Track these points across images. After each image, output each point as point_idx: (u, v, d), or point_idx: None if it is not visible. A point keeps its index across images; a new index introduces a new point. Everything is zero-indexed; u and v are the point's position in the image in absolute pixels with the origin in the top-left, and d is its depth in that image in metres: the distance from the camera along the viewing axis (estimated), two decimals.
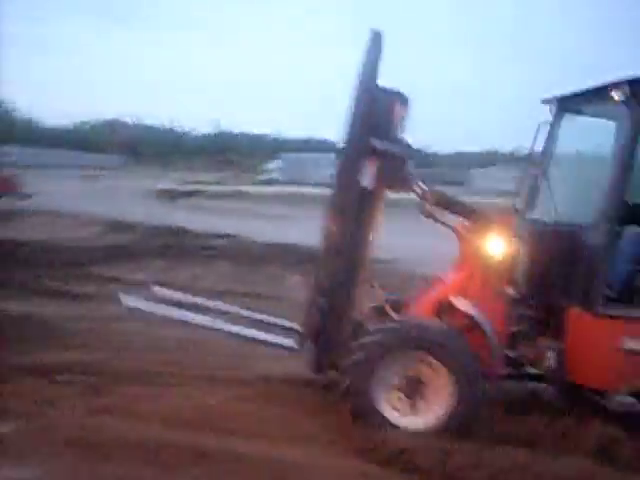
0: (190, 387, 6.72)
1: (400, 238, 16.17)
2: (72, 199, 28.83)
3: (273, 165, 67.86)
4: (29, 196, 20.10)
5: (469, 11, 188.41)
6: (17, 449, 5.12)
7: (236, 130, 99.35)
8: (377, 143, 6.17)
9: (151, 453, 5.07)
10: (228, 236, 20.05)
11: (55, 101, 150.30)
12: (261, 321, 7.33)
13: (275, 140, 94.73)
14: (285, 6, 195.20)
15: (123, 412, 5.96)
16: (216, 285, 12.85)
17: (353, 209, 6.21)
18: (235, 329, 6.58)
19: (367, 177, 6.21)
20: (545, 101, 7.37)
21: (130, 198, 33.92)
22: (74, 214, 23.47)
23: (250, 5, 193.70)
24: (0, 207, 21.50)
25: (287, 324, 7.17)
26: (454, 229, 6.64)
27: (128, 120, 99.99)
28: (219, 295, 11.81)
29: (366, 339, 5.90)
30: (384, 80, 6.22)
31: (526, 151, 7.70)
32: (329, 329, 6.27)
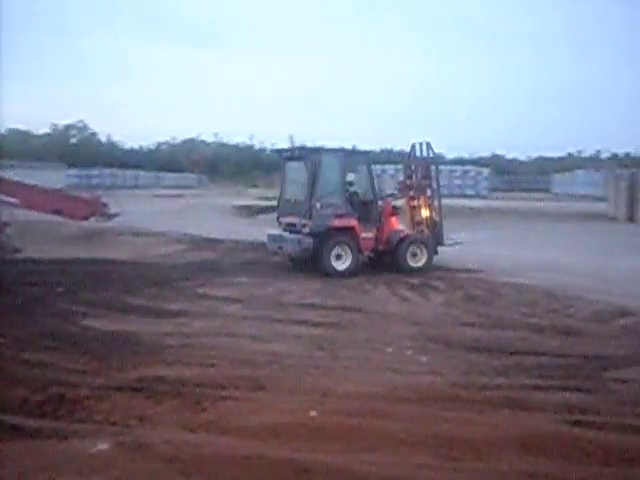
0: (286, 401, 6.66)
1: None
2: (155, 218, 29.38)
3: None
4: (116, 215, 20.36)
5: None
6: (114, 467, 5.13)
7: (311, 145, 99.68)
8: None
9: (251, 469, 5.00)
10: None
11: (134, 123, 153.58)
12: None
13: None
14: (366, 22, 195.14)
15: (221, 428, 5.94)
16: (302, 299, 12.82)
17: None
18: None
19: None
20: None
21: (211, 215, 34.28)
22: (158, 233, 23.86)
23: (326, 22, 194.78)
24: (88, 228, 22.00)
25: None
26: None
27: (206, 139, 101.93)
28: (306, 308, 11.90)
29: None
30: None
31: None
32: None
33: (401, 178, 18.81)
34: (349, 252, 15.93)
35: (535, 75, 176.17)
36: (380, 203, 16.81)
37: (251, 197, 50.13)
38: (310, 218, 15.74)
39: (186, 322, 10.55)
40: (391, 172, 48.37)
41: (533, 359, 8.75)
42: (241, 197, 50.82)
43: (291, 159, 17.16)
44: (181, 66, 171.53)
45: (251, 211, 38.74)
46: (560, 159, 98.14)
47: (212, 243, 21.70)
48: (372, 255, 17.04)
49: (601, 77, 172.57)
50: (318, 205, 15.78)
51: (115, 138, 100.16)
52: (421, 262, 16.58)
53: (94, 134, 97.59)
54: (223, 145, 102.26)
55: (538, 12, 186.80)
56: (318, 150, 16.88)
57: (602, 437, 5.84)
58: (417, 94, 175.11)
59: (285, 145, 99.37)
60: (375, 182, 16.95)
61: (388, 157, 71.34)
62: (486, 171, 62.47)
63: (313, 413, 6.23)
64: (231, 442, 5.64)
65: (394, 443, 5.60)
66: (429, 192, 17.49)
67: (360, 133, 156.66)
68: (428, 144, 17.42)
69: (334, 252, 15.81)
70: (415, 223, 17.43)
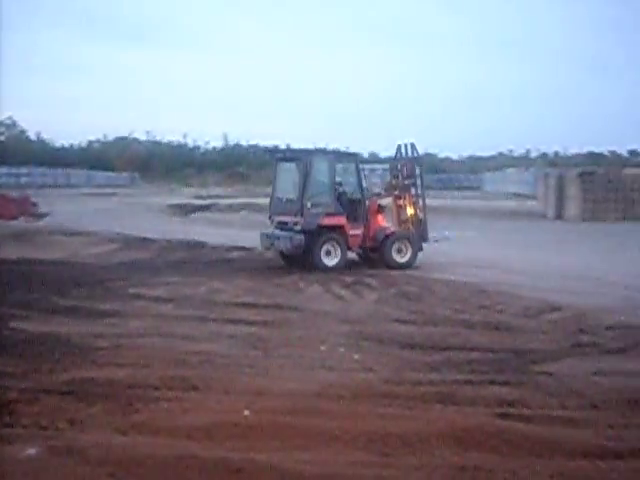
0: (219, 401, 6.64)
1: None
2: (86, 217, 28.92)
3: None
4: (46, 215, 20.02)
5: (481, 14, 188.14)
6: (44, 471, 5.04)
7: (245, 143, 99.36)
8: None
9: (184, 470, 4.97)
10: (244, 249, 20.02)
11: (66, 121, 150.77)
12: None
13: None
14: (295, 22, 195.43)
15: (153, 429, 5.87)
16: (236, 298, 12.79)
17: None
18: None
19: None
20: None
21: (144, 215, 33.92)
22: (90, 232, 23.51)
23: (259, 21, 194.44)
24: (17, 228, 21.59)
25: None
26: None
27: (139, 137, 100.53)
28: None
29: None
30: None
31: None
32: None
33: None
34: (338, 249, 16.70)
35: (466, 76, 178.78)
36: (367, 202, 17.45)
37: (185, 196, 49.76)
38: (301, 216, 16.46)
39: (118, 323, 10.41)
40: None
41: (464, 354, 8.90)
42: (174, 196, 50.40)
43: (283, 160, 17.94)
44: (113, 63, 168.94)
45: (184, 210, 38.49)
46: (491, 158, 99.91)
47: (144, 242, 21.52)
48: (360, 251, 17.74)
49: (531, 79, 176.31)
50: (309, 204, 16.50)
51: (45, 136, 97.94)
52: (406, 257, 17.35)
53: (23, 131, 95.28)
54: (156, 143, 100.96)
55: (471, 13, 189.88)
56: (310, 152, 18.05)
57: (531, 429, 5.97)
58: (351, 93, 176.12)
59: (219, 144, 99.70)
60: (363, 182, 17.66)
61: None
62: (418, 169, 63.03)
63: (246, 412, 6.22)
64: (163, 443, 5.58)
65: (328, 440, 5.63)
66: (414, 191, 18.35)
67: (294, 131, 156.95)
68: (412, 145, 18.41)
69: (324, 249, 16.56)
70: (401, 221, 18.24)
